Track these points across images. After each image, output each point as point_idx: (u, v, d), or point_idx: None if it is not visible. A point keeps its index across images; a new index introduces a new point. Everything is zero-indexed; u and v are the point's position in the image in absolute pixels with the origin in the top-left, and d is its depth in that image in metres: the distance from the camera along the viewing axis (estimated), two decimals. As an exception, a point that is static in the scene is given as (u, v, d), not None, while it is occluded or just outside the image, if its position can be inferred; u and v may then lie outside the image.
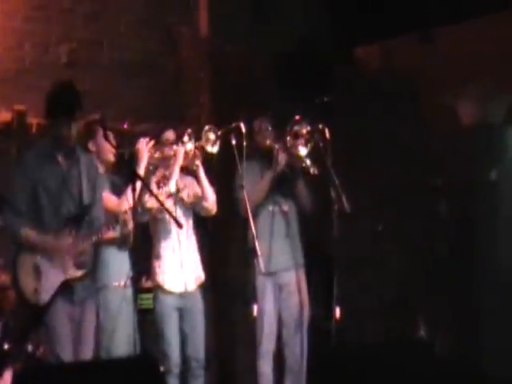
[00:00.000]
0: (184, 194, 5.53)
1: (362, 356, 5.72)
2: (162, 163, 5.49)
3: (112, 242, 5.20)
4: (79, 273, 4.75)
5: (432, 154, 6.79)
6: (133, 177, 4.86)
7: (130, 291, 5.23)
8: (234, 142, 5.41)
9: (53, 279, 4.67)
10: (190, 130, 5.51)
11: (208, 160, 5.53)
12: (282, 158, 5.58)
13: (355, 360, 5.70)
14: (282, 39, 7.11)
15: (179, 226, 4.99)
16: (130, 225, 5.05)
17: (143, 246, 5.37)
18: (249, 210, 5.33)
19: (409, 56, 7.03)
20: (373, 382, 5.55)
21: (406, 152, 6.80)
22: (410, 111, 6.90)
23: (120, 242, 5.23)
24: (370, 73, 7.18)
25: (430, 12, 6.70)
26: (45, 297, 4.64)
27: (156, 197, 5.04)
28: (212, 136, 5.45)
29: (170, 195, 5.43)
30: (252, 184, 5.55)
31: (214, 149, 5.44)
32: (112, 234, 5.03)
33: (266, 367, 5.55)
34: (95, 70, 6.72)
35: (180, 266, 5.46)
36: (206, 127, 5.48)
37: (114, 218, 4.96)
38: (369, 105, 6.85)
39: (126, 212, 5.01)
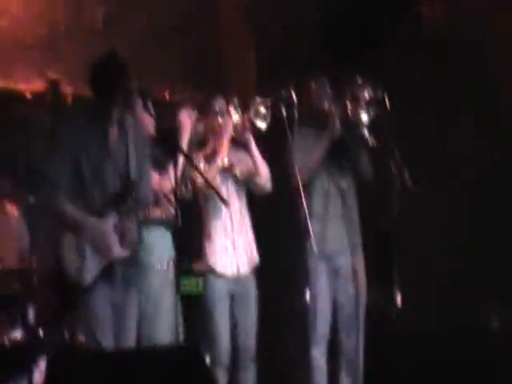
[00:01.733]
0: (237, 170, 5.35)
1: (425, 344, 5.55)
2: (210, 136, 5.31)
3: (159, 221, 5.06)
4: (125, 252, 4.62)
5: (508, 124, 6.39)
6: (175, 151, 4.72)
7: (171, 274, 5.09)
8: (284, 111, 5.21)
9: (97, 258, 4.55)
10: (236, 100, 5.33)
11: (257, 133, 5.32)
12: (338, 121, 5.36)
13: (417, 349, 5.54)
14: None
15: (225, 203, 4.83)
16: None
17: (189, 224, 5.24)
18: (301, 187, 5.13)
19: (480, 9, 6.64)
20: (437, 374, 5.40)
21: (477, 121, 6.47)
22: (482, 75, 6.52)
23: (167, 222, 5.09)
24: (432, 31, 6.82)
25: None
26: (88, 277, 4.53)
27: (200, 172, 4.88)
28: (262, 110, 5.23)
29: (223, 170, 5.24)
30: (306, 155, 5.33)
31: (263, 124, 5.24)
32: (159, 213, 4.90)
33: (319, 356, 5.36)
34: (132, 34, 6.61)
35: (233, 247, 5.28)
36: (257, 99, 5.25)
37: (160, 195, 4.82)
38: (432, 68, 6.54)
39: (173, 191, 4.85)
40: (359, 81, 5.39)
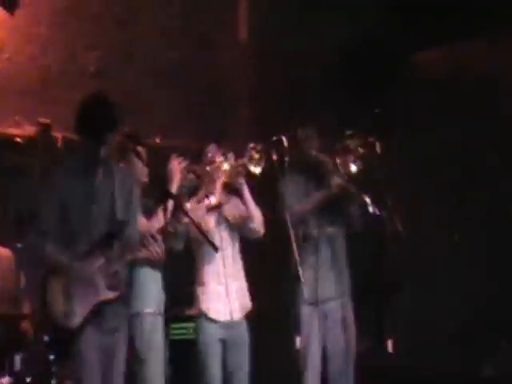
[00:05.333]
0: (229, 214, 5.58)
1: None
2: (203, 182, 5.55)
3: (144, 261, 5.28)
4: (112, 295, 4.80)
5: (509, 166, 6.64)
6: (164, 196, 4.95)
7: (163, 319, 5.32)
8: (275, 157, 5.47)
9: (84, 302, 4.73)
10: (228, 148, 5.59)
11: (250, 178, 5.57)
12: (335, 183, 5.63)
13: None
14: (332, 41, 7.09)
15: (215, 248, 5.04)
16: (162, 244, 5.16)
17: (181, 271, 5.47)
18: (292, 233, 5.39)
19: (477, 60, 6.93)
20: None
21: (479, 165, 6.67)
22: (480, 120, 6.76)
23: (153, 262, 5.29)
24: (433, 79, 7.07)
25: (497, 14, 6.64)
26: (76, 321, 4.71)
27: (190, 217, 5.09)
28: (256, 155, 5.48)
29: (211, 208, 5.48)
30: (297, 203, 5.61)
31: (257, 169, 5.49)
32: (145, 252, 5.12)
33: (310, 405, 5.56)
34: (125, 79, 6.88)
35: (226, 293, 5.50)
36: (251, 145, 5.51)
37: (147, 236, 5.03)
38: (433, 114, 6.80)
39: (158, 231, 5.09)
40: (351, 133, 5.68)
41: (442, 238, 6.72)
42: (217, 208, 5.54)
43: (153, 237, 4.93)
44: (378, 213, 5.63)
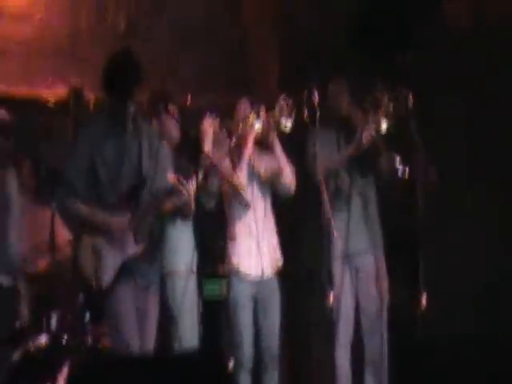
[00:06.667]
0: (260, 170, 5.60)
1: (451, 350, 5.71)
2: (236, 139, 5.57)
3: (173, 211, 5.26)
4: (139, 249, 4.84)
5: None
6: (197, 154, 4.96)
7: (195, 277, 5.35)
8: (306, 109, 5.43)
9: (113, 259, 4.79)
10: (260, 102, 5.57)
11: (281, 134, 5.56)
12: (366, 137, 5.57)
13: (443, 354, 5.71)
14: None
15: (245, 204, 5.04)
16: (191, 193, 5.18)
17: (212, 227, 5.49)
18: (323, 187, 5.37)
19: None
20: (462, 379, 5.56)
21: (504, 120, 6.60)
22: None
23: (180, 212, 5.29)
24: (459, 30, 6.99)
25: None
26: (106, 279, 4.77)
27: (221, 172, 5.08)
28: (287, 107, 5.44)
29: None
30: (327, 157, 5.58)
31: (288, 122, 5.47)
32: (174, 200, 5.14)
33: (343, 359, 5.60)
34: (155, 37, 6.88)
35: (257, 249, 5.53)
36: (282, 97, 5.48)
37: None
38: (458, 67, 6.73)
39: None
40: (381, 86, 5.62)
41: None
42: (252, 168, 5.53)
43: (182, 184, 4.91)
44: (405, 173, 5.58)
